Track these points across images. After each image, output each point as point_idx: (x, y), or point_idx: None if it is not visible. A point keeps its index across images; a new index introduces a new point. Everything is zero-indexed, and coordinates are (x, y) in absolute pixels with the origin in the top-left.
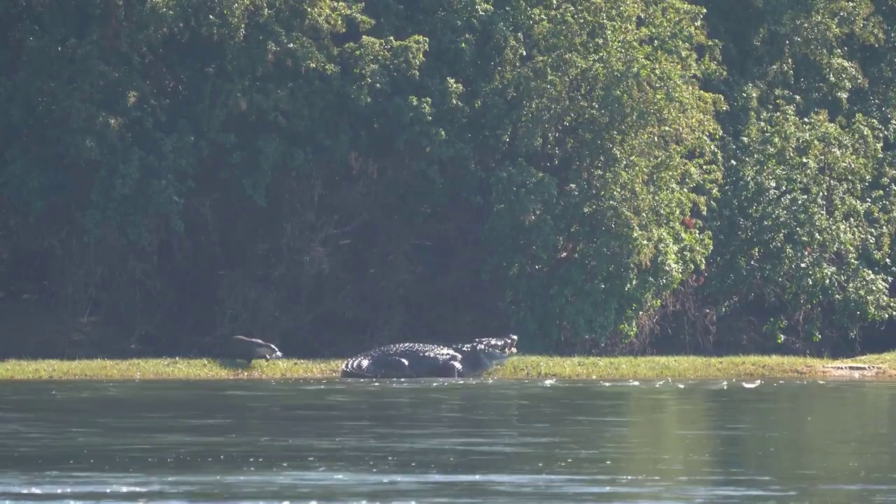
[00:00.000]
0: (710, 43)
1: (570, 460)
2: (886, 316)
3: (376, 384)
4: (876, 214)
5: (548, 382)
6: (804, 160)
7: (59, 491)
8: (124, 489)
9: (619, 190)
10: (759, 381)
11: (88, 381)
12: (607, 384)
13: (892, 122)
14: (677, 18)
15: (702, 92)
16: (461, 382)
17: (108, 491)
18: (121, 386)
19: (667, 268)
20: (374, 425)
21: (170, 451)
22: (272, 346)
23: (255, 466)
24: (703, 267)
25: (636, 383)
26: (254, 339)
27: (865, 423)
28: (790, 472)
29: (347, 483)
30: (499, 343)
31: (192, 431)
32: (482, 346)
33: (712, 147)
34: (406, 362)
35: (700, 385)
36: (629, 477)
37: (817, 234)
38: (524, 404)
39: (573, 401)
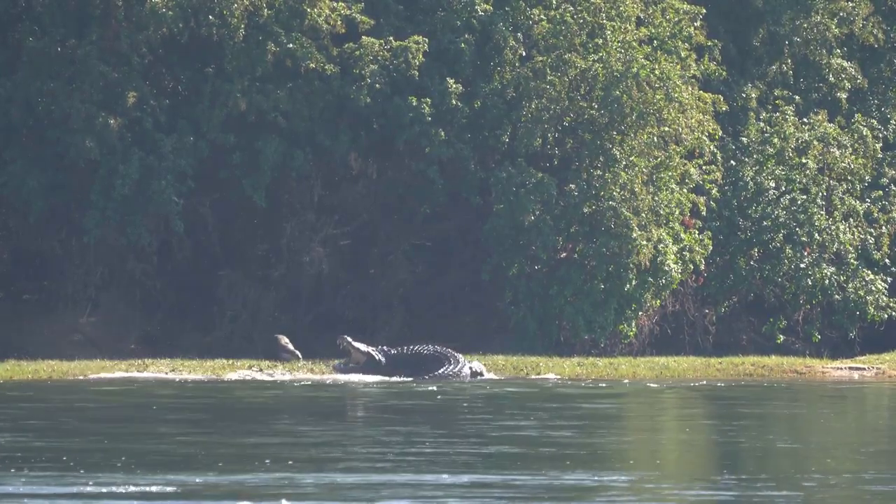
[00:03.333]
0: (709, 43)
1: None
2: (886, 316)
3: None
4: (875, 215)
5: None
6: (803, 160)
7: None
8: None
9: (618, 190)
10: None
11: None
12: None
13: (892, 122)
14: (677, 19)
15: (701, 92)
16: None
17: None
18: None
19: (666, 268)
20: (133, 425)
21: None
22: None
23: None
24: (702, 267)
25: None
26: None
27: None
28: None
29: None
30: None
31: None
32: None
33: (712, 147)
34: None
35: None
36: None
37: (817, 235)
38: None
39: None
